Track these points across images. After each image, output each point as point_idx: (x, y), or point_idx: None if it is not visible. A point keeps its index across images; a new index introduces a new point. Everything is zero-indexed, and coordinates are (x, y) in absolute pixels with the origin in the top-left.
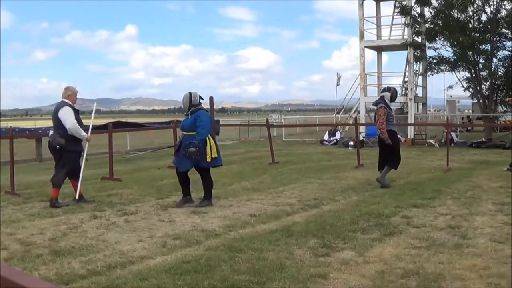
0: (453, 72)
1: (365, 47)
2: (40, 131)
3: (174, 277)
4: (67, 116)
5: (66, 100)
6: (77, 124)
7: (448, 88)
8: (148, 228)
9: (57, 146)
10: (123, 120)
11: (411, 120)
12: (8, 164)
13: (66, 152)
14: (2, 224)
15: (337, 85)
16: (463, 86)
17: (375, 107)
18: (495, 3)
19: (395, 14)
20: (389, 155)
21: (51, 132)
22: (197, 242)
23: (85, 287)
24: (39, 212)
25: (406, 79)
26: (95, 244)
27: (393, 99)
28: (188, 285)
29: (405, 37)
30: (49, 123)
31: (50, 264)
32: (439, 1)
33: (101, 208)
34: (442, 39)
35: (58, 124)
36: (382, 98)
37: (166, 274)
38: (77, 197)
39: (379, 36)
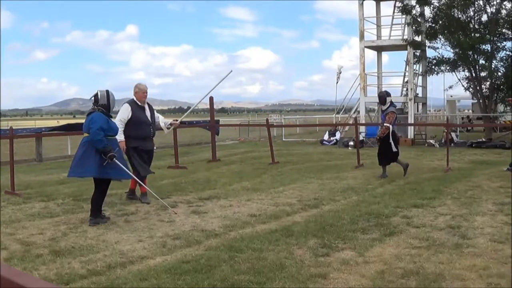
0: (453, 72)
1: (365, 47)
2: (42, 131)
3: (174, 277)
4: (118, 113)
5: (133, 97)
6: (120, 124)
7: (448, 88)
8: (148, 228)
9: None
10: None
11: (411, 120)
12: (8, 164)
13: (127, 148)
14: (2, 224)
15: (337, 81)
16: (463, 86)
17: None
18: (495, 2)
19: (396, 13)
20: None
21: None
22: (197, 242)
23: (85, 287)
24: (39, 212)
25: (406, 79)
26: (95, 244)
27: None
28: (188, 285)
29: (405, 36)
30: (49, 123)
31: (50, 264)
32: (440, 1)
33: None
34: (443, 39)
35: None
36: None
37: (166, 274)
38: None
39: (379, 36)
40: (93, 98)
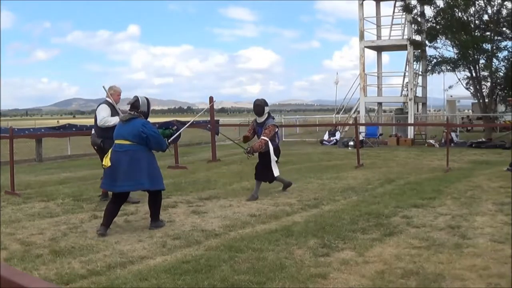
0: (454, 72)
1: (365, 47)
2: (41, 131)
3: (174, 277)
4: (99, 113)
5: (107, 99)
6: (107, 118)
7: (448, 89)
8: (148, 228)
9: (95, 147)
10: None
11: (411, 120)
12: (8, 164)
13: (105, 151)
14: (2, 224)
15: (336, 83)
16: (464, 86)
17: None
18: (496, 3)
19: (396, 13)
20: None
21: (93, 131)
22: (197, 242)
23: (85, 287)
24: (39, 212)
25: (406, 79)
26: (95, 244)
27: None
28: (188, 285)
29: (405, 36)
30: (49, 123)
31: (50, 264)
32: (442, 0)
33: (101, 208)
34: (444, 38)
35: (96, 123)
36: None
37: (166, 274)
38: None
39: (379, 36)
40: (131, 103)
